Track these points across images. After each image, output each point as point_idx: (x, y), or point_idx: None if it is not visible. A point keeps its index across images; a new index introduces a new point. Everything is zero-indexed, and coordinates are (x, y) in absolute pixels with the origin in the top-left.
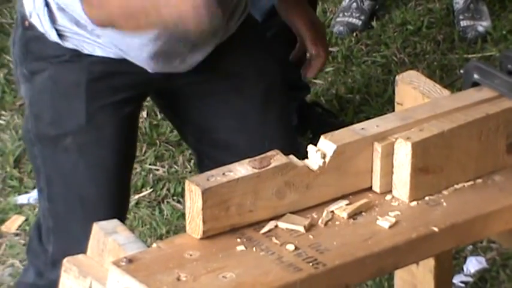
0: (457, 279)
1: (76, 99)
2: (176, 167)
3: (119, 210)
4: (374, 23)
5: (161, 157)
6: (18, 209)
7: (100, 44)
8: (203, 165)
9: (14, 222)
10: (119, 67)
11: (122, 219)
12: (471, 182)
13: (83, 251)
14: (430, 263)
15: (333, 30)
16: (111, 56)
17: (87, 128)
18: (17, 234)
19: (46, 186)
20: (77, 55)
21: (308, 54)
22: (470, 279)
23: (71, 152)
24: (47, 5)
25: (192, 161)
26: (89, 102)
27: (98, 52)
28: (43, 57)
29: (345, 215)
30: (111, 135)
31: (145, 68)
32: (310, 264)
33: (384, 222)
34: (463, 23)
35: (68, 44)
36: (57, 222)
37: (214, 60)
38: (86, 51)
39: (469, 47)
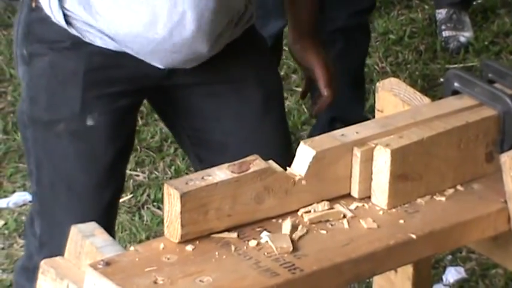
0: None
1: (72, 87)
2: (157, 173)
3: (107, 202)
4: None
5: (142, 163)
6: None
7: (102, 35)
8: (198, 169)
9: None
10: (118, 59)
11: (111, 212)
12: (450, 190)
13: (66, 237)
14: (409, 270)
15: None
16: (111, 48)
17: (80, 116)
18: None
19: (35, 170)
20: (77, 43)
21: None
22: None
23: (62, 138)
24: None
25: (173, 167)
26: (84, 91)
27: (98, 42)
28: (44, 41)
29: (322, 220)
30: (104, 125)
31: (154, 64)
32: (288, 269)
33: (361, 228)
34: (445, 33)
35: (71, 30)
36: (43, 205)
37: (215, 64)
38: (87, 40)
39: (451, 57)
